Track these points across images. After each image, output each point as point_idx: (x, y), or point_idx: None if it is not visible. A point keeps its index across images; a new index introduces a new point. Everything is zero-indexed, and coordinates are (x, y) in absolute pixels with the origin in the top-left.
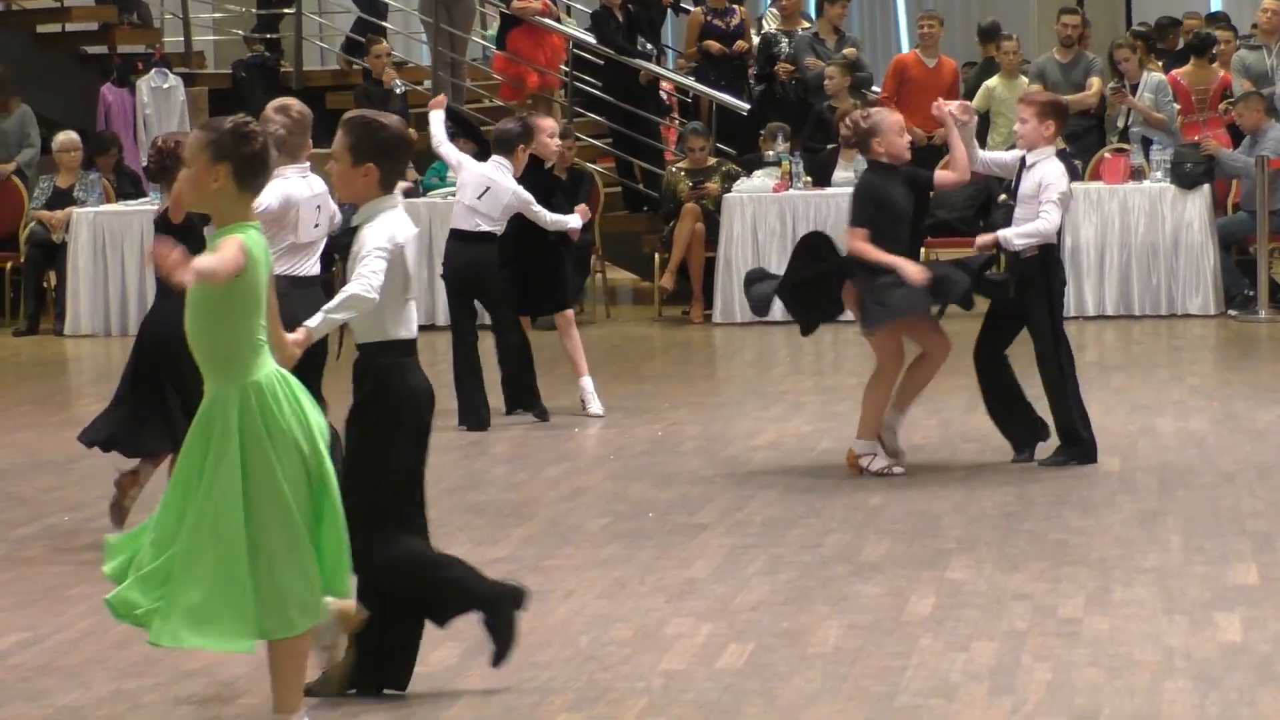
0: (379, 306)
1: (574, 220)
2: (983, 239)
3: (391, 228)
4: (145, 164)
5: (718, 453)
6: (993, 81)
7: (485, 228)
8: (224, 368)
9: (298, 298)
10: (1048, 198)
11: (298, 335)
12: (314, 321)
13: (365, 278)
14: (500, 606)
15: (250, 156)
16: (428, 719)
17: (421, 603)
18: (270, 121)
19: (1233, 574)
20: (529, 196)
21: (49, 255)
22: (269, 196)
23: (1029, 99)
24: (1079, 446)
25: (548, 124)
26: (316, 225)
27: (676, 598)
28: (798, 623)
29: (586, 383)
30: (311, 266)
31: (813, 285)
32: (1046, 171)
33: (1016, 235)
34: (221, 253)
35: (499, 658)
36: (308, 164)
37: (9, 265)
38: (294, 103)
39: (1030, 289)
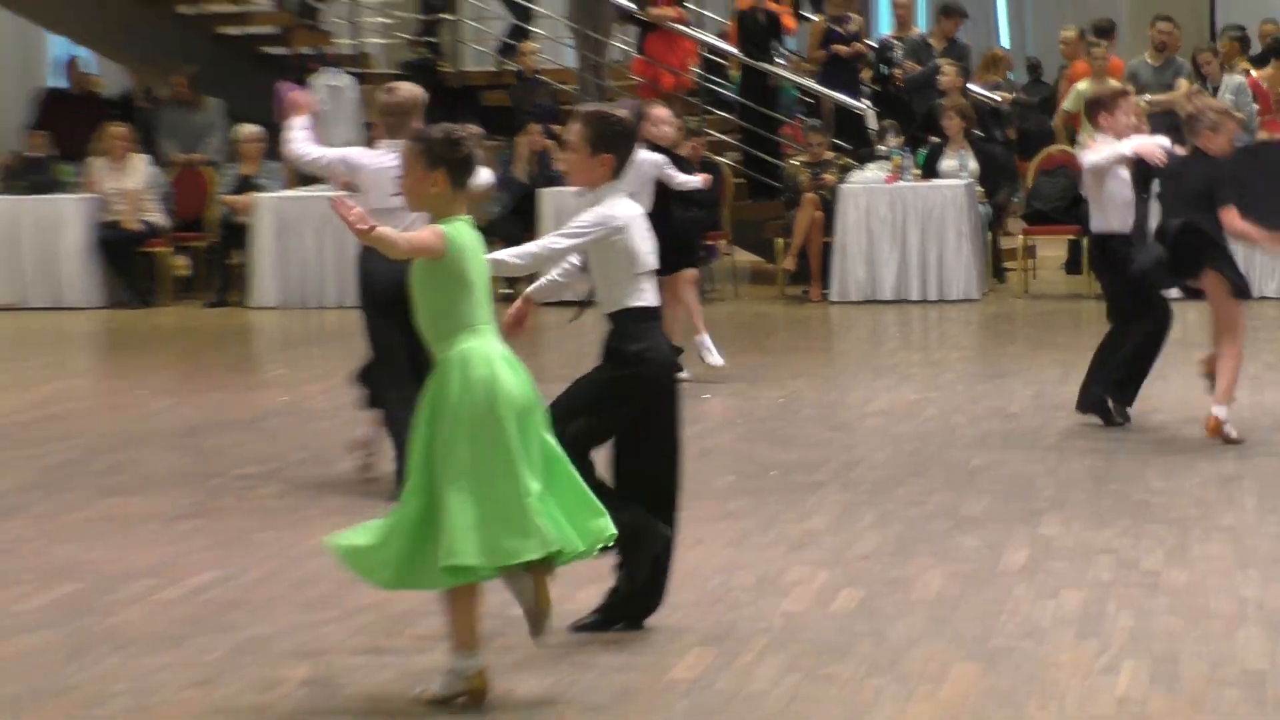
0: (612, 280)
1: (695, 180)
2: None
3: (611, 209)
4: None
5: (833, 418)
6: (1083, 84)
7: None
8: (439, 342)
9: (373, 262)
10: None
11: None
12: (504, 254)
13: (545, 243)
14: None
15: (461, 160)
16: (572, 654)
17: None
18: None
19: None
20: (661, 158)
21: (235, 236)
22: (330, 153)
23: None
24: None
25: (659, 113)
26: (394, 195)
27: (795, 547)
28: (904, 571)
29: (704, 338)
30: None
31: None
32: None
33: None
34: (413, 233)
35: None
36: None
37: (200, 245)
38: (401, 85)
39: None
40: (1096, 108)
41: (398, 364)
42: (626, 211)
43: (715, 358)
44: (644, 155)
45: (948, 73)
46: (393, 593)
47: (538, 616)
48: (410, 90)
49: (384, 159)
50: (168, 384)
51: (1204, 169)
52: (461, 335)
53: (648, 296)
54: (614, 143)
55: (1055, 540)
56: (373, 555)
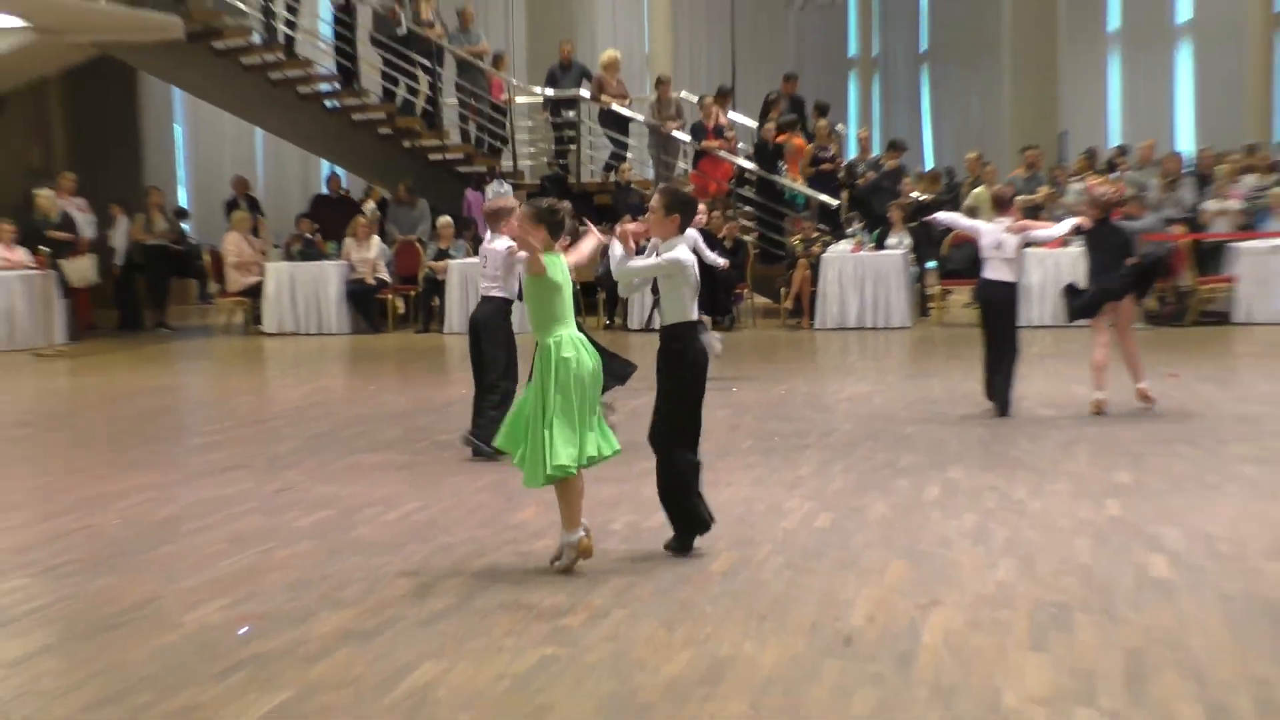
0: (678, 298)
1: (721, 261)
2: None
3: (679, 254)
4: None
5: (816, 403)
6: (979, 189)
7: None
8: (539, 329)
9: (488, 309)
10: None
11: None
12: (622, 258)
13: (640, 266)
14: (694, 531)
15: (555, 222)
16: (649, 552)
17: (676, 497)
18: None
19: (1116, 476)
20: (698, 234)
21: (435, 287)
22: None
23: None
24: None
25: (699, 207)
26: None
27: (791, 487)
28: (861, 502)
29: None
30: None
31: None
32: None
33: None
34: (533, 259)
35: (673, 549)
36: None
37: (413, 293)
38: (499, 198)
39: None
40: (1002, 204)
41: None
42: (688, 255)
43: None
44: (689, 230)
45: (907, 184)
46: (533, 519)
47: (575, 555)
48: (503, 200)
49: (492, 244)
50: (390, 383)
51: (1119, 234)
52: (555, 327)
53: (694, 314)
54: (680, 208)
55: (959, 482)
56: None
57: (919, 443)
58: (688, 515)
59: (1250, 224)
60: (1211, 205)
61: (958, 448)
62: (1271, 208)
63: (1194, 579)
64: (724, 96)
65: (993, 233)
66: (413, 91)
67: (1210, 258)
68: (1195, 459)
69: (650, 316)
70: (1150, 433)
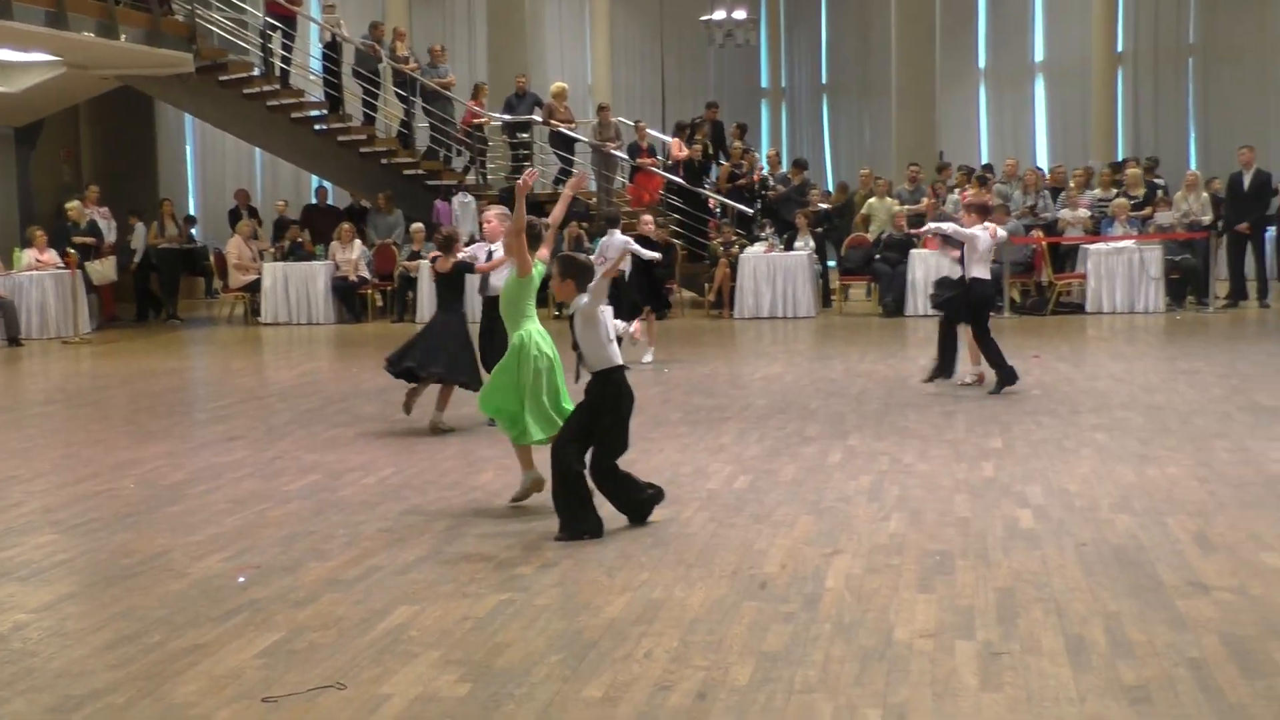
0: (596, 345)
1: (654, 255)
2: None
3: (587, 304)
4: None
5: (735, 381)
6: (872, 200)
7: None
8: (513, 323)
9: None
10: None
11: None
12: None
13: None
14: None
15: (534, 234)
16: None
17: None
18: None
19: (989, 442)
20: (627, 238)
21: (409, 283)
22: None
23: (965, 203)
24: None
25: (646, 218)
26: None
27: (714, 453)
28: (773, 466)
29: (651, 351)
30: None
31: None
32: (974, 233)
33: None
34: (523, 263)
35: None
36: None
37: (389, 288)
38: (489, 211)
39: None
40: (984, 212)
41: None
42: (594, 310)
43: (648, 358)
44: (620, 236)
45: (813, 195)
46: (491, 480)
47: (530, 488)
48: (494, 211)
49: (488, 248)
50: (370, 365)
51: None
52: (526, 321)
53: (617, 356)
54: (574, 274)
55: (857, 448)
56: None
57: (822, 415)
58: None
59: (1097, 229)
60: (1065, 214)
61: (855, 419)
62: (1114, 216)
63: (1054, 529)
64: (682, 130)
65: (984, 238)
66: (396, 118)
67: (1065, 258)
68: (1055, 427)
69: (577, 369)
70: (1017, 405)
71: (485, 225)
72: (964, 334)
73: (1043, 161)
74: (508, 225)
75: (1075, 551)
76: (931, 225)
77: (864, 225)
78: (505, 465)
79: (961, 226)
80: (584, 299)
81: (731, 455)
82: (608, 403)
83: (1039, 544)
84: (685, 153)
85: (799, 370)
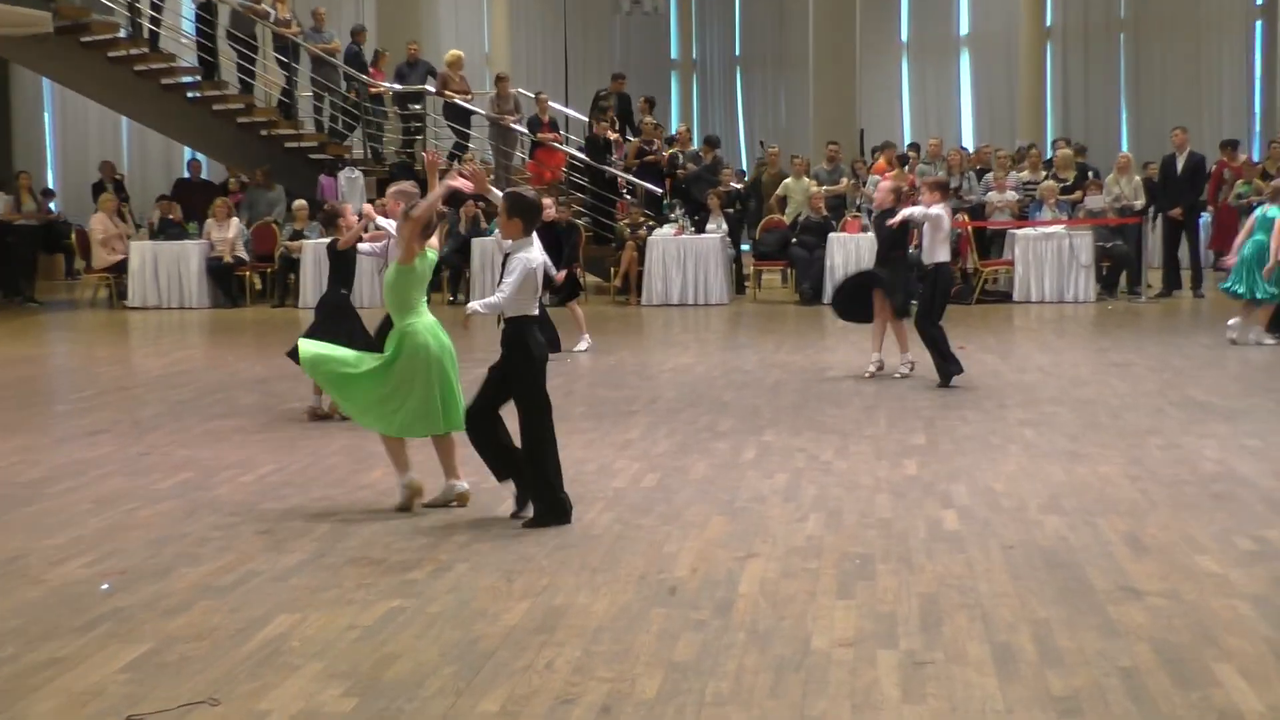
0: (520, 297)
1: (556, 273)
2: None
3: (529, 254)
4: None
5: (643, 372)
6: (789, 180)
7: None
8: (397, 313)
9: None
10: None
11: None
12: (474, 305)
13: (501, 291)
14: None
15: (428, 223)
16: (487, 511)
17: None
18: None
19: (912, 438)
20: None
21: (290, 265)
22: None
23: (926, 181)
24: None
25: (547, 200)
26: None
27: (620, 449)
28: (683, 463)
29: (586, 338)
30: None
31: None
32: (939, 214)
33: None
34: (408, 250)
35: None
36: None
37: (269, 270)
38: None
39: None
40: (943, 190)
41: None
42: (538, 256)
43: (584, 344)
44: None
45: (725, 174)
46: (381, 478)
47: (410, 496)
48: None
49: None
50: (248, 354)
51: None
52: (411, 314)
53: (535, 309)
54: (520, 212)
55: (772, 444)
56: (367, 414)
57: (736, 409)
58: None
59: (1024, 214)
60: (992, 197)
61: (771, 413)
62: (1042, 199)
63: (980, 530)
64: (597, 105)
65: (946, 218)
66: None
67: (992, 243)
68: (980, 422)
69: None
70: (941, 399)
71: (389, 202)
72: (886, 318)
73: (968, 140)
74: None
75: (1002, 554)
76: (903, 213)
77: (779, 207)
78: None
79: (915, 209)
80: (521, 244)
81: (639, 451)
82: (518, 352)
83: (964, 546)
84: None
85: (711, 361)
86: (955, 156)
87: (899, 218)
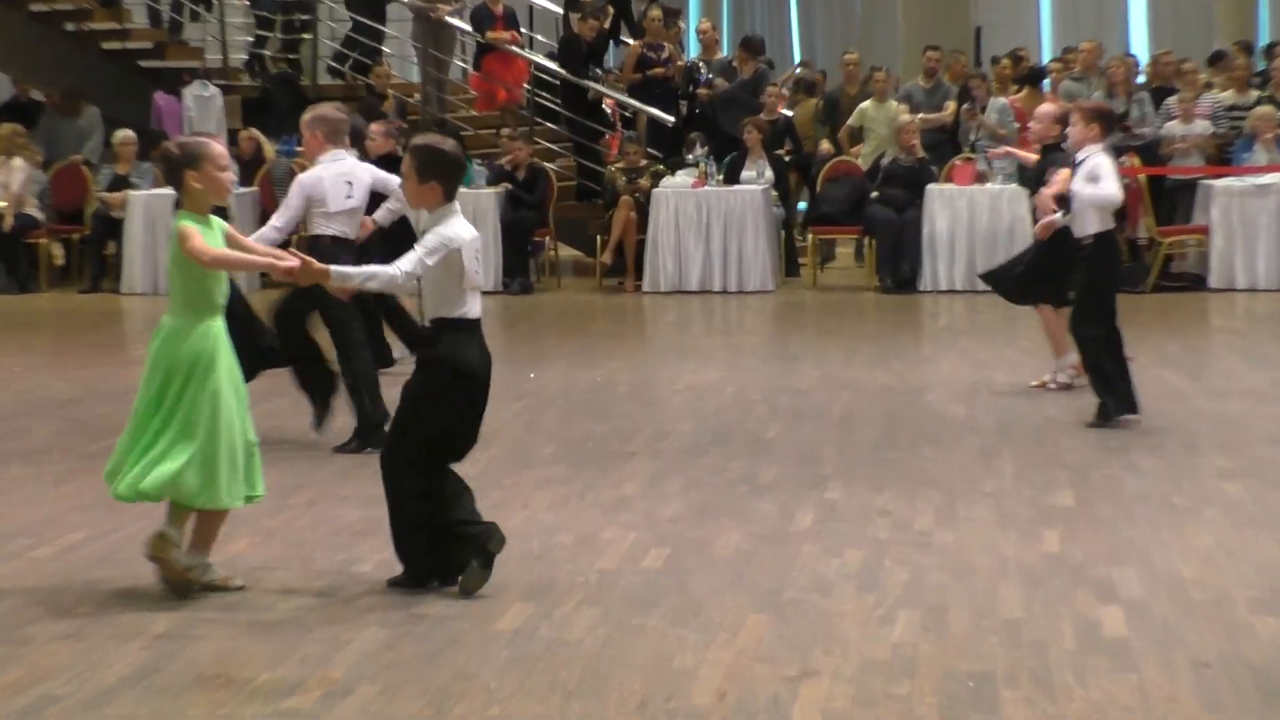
0: (440, 290)
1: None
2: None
3: (450, 230)
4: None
5: (644, 395)
6: (867, 103)
7: None
8: (195, 314)
9: (336, 254)
10: (1104, 175)
11: (326, 269)
12: (349, 270)
13: (401, 264)
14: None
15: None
16: (409, 603)
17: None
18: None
19: (1053, 498)
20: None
21: (109, 228)
22: (294, 207)
23: (1079, 106)
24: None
25: (376, 126)
26: (348, 197)
27: (610, 510)
28: (705, 531)
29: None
30: (346, 230)
31: None
32: (1099, 162)
33: (1085, 190)
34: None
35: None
36: (340, 150)
37: (76, 236)
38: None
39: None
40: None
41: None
42: (465, 232)
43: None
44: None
45: (771, 94)
46: (247, 550)
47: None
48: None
49: (335, 166)
50: (44, 361)
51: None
52: (211, 316)
53: (471, 311)
54: (439, 171)
55: (839, 504)
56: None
57: (785, 450)
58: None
59: (1225, 156)
60: (1175, 129)
61: (838, 458)
62: (1254, 134)
63: (1159, 638)
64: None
65: (1111, 168)
66: None
67: (1176, 200)
68: (1158, 474)
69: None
70: (1098, 437)
71: (304, 136)
72: (1048, 315)
73: (1140, 46)
74: None
75: (1193, 675)
76: (1057, 181)
77: (852, 142)
78: (271, 528)
79: (1075, 160)
80: (441, 216)
81: (638, 514)
82: (443, 371)
83: (1135, 663)
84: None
85: (747, 378)
86: (1119, 69)
87: (1052, 189)
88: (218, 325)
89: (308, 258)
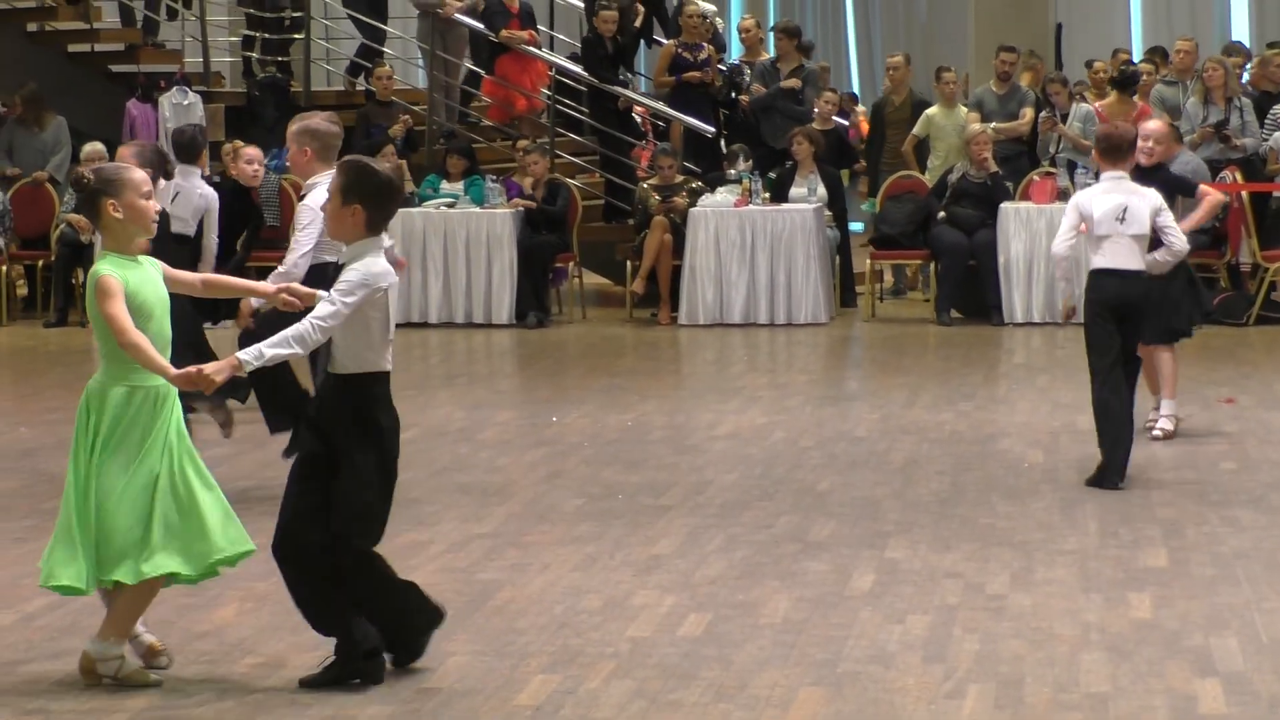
0: (358, 340)
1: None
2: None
3: (370, 270)
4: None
5: (681, 441)
6: (933, 110)
7: None
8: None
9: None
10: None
11: (235, 362)
12: (260, 348)
13: (315, 317)
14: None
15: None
16: (417, 676)
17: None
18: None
19: (1144, 557)
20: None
21: (77, 254)
22: (314, 234)
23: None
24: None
25: (248, 152)
26: None
27: (643, 571)
28: (751, 595)
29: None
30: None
31: None
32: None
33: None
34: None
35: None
36: (333, 170)
37: (40, 263)
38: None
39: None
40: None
41: None
42: (379, 272)
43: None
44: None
45: (828, 100)
46: (229, 618)
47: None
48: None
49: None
50: (5, 405)
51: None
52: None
53: (387, 363)
54: (363, 194)
55: (902, 564)
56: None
57: (841, 504)
58: (346, 634)
59: None
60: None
61: (900, 512)
62: None
63: (1264, 716)
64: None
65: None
66: None
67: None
68: (1263, 529)
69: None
70: (1193, 490)
71: (290, 150)
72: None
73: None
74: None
75: None
76: (1158, 218)
77: (917, 156)
78: (260, 594)
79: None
80: (362, 250)
81: (675, 576)
82: (355, 433)
83: None
84: None
85: (798, 422)
86: (1215, 73)
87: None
88: (147, 386)
89: (202, 366)
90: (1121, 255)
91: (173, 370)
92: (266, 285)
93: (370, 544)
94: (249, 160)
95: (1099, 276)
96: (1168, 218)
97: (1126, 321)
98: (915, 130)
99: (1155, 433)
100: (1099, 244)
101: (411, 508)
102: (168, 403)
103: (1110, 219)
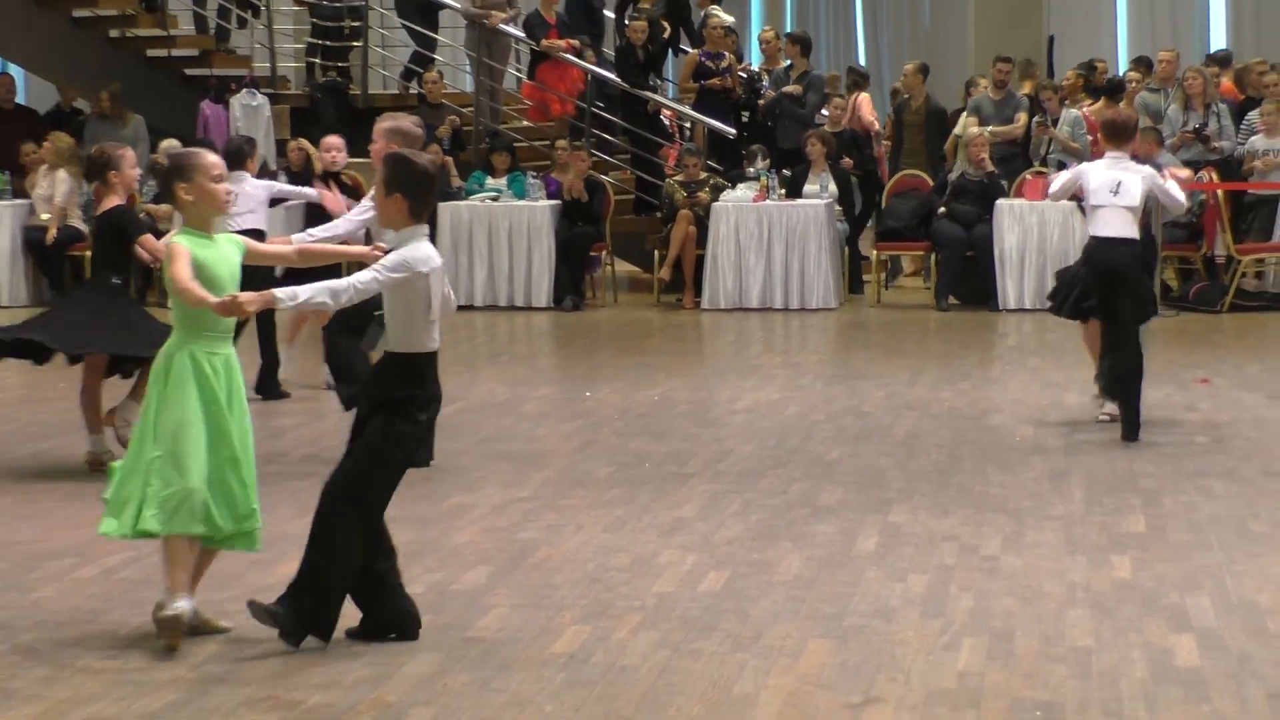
0: (406, 314)
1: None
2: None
3: (413, 254)
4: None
5: (703, 414)
6: (970, 116)
7: None
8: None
9: None
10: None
11: (270, 295)
12: (296, 290)
13: (357, 277)
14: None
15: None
16: (462, 626)
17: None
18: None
19: (1125, 523)
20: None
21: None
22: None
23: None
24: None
25: (329, 141)
26: None
27: (667, 532)
28: (765, 555)
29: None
30: None
31: None
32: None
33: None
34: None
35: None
36: None
37: None
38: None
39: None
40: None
41: None
42: (430, 259)
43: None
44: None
45: (837, 104)
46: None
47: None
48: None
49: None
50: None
51: None
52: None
53: (433, 344)
54: (406, 184)
55: (903, 527)
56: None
57: (848, 473)
58: (321, 607)
59: None
60: (1257, 144)
61: (903, 481)
62: None
63: (1234, 669)
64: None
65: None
66: None
67: (1252, 216)
68: (1234, 498)
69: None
70: (1171, 461)
71: (376, 144)
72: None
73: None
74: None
75: (1268, 706)
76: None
77: (951, 155)
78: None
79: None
80: (408, 236)
81: (696, 537)
82: (389, 405)
83: (1208, 694)
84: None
85: (809, 398)
86: (1195, 81)
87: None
88: (206, 349)
89: (238, 294)
90: (1114, 224)
91: (213, 299)
92: (360, 248)
93: (358, 509)
94: (327, 149)
95: (1091, 244)
96: (1160, 182)
97: (1115, 289)
98: (956, 130)
99: (1102, 416)
100: (1094, 213)
101: (458, 474)
102: (230, 368)
103: (1104, 190)
